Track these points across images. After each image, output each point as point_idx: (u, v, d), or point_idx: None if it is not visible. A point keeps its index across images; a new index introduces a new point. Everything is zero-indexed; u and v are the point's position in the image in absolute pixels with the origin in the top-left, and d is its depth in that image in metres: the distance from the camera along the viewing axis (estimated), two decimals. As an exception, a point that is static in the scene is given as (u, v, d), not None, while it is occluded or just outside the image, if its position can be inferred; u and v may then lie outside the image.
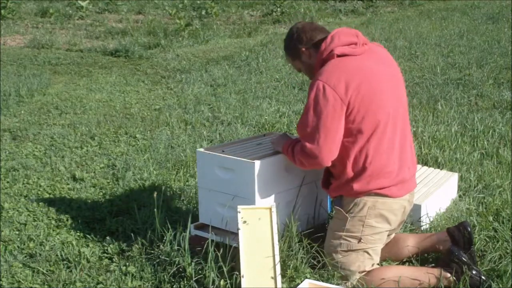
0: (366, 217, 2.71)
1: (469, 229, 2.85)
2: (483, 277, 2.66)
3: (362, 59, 2.72)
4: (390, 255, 2.95)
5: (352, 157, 2.67)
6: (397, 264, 2.93)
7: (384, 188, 2.69)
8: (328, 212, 3.21)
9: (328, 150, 2.62)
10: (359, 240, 2.73)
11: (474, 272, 2.66)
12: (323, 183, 2.96)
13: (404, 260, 2.97)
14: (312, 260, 2.83)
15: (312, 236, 2.94)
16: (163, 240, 2.96)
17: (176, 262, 2.83)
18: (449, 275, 2.68)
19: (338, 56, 2.70)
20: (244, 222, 2.65)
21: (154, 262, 2.94)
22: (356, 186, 2.69)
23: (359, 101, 2.61)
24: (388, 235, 2.88)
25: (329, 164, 2.68)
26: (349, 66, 2.67)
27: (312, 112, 2.62)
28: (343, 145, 2.67)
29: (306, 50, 2.82)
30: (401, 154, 2.75)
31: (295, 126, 5.11)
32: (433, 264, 2.90)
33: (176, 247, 2.88)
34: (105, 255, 3.13)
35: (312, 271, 2.80)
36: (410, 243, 2.95)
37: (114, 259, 3.07)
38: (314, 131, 2.62)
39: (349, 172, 2.69)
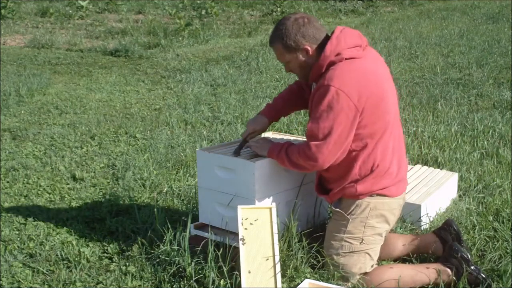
0: (367, 218, 2.72)
1: (454, 226, 2.90)
2: (482, 275, 2.67)
3: (367, 62, 2.66)
4: (383, 255, 2.95)
5: (360, 161, 2.67)
6: (397, 263, 2.94)
7: (385, 188, 2.71)
8: (328, 211, 3.21)
9: (333, 157, 2.61)
10: (361, 241, 2.73)
11: (473, 268, 2.68)
12: (317, 188, 2.92)
13: (404, 258, 2.97)
14: (312, 260, 2.83)
15: (312, 236, 2.94)
16: (163, 240, 2.96)
17: (176, 262, 2.83)
18: (449, 270, 2.70)
19: (347, 59, 2.61)
20: (244, 221, 2.65)
21: (154, 262, 2.94)
22: (360, 188, 2.70)
23: (371, 107, 2.59)
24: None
25: (325, 167, 2.66)
26: (360, 71, 2.60)
27: (326, 117, 2.56)
28: (352, 150, 2.66)
29: (309, 47, 2.67)
30: (400, 155, 2.79)
31: (295, 126, 5.11)
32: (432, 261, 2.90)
33: (176, 247, 2.88)
34: (105, 255, 3.12)
35: (312, 271, 2.80)
36: (401, 243, 2.97)
37: (114, 259, 3.06)
38: (325, 137, 2.57)
39: (355, 175, 2.70)
